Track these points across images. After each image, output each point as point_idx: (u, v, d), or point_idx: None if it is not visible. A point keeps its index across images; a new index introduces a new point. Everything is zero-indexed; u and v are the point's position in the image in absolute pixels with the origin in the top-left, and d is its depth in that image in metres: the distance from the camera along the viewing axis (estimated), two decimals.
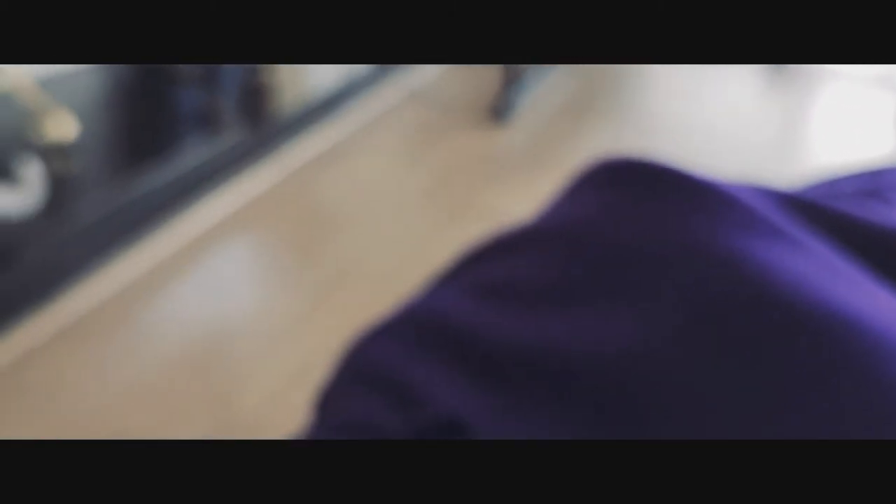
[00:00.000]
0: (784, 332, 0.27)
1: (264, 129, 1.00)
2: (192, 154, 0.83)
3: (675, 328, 0.33)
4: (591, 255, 0.32)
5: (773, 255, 0.27)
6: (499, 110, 1.35)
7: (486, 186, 0.99)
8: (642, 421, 0.32)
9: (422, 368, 0.35)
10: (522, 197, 0.95)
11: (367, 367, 0.37)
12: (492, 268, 0.39)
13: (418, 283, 0.34)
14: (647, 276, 0.30)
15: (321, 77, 1.16)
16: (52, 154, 0.71)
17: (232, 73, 1.12)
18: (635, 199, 0.29)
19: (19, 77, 0.71)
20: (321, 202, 0.83)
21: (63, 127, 0.73)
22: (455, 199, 0.93)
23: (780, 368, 0.25)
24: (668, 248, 0.29)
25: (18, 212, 0.66)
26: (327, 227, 0.75)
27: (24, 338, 0.58)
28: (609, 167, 0.30)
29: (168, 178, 0.77)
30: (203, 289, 0.67)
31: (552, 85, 1.43)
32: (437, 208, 0.87)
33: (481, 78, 1.36)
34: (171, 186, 0.77)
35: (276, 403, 0.51)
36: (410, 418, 0.34)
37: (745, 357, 0.29)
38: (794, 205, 0.31)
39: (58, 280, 0.62)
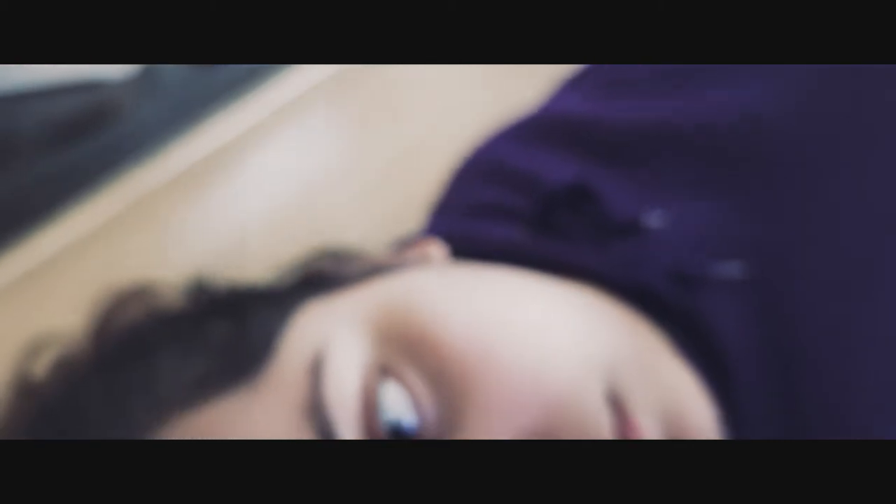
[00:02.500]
0: None
1: None
2: None
3: (809, 92, 0.33)
4: None
5: None
6: None
7: None
8: (759, 174, 0.32)
9: (544, 156, 0.36)
10: None
11: (490, 163, 0.38)
12: (608, 70, 0.39)
13: None
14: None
15: None
16: None
17: None
18: None
19: None
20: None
21: None
22: None
23: None
24: None
25: (117, 74, 0.69)
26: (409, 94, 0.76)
27: (129, 189, 0.61)
28: None
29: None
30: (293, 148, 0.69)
31: None
32: None
33: None
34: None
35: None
36: (537, 194, 0.35)
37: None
38: None
39: (155, 140, 0.64)
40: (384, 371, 0.29)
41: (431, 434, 0.29)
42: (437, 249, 0.37)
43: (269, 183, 0.66)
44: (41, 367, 0.34)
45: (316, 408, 0.28)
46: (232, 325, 0.32)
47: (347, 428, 0.28)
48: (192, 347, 0.32)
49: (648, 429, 0.29)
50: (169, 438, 0.29)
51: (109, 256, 0.57)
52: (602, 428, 0.29)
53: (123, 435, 0.29)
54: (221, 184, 0.64)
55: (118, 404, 0.31)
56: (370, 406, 0.28)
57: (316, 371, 0.29)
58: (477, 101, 0.74)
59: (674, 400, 0.30)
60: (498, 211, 0.39)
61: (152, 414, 0.30)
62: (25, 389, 0.33)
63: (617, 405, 0.29)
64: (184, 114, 0.65)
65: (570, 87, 0.44)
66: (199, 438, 0.29)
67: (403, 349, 0.30)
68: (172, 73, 0.71)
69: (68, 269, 0.57)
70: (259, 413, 0.29)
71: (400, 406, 0.29)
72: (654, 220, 0.35)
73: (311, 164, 0.66)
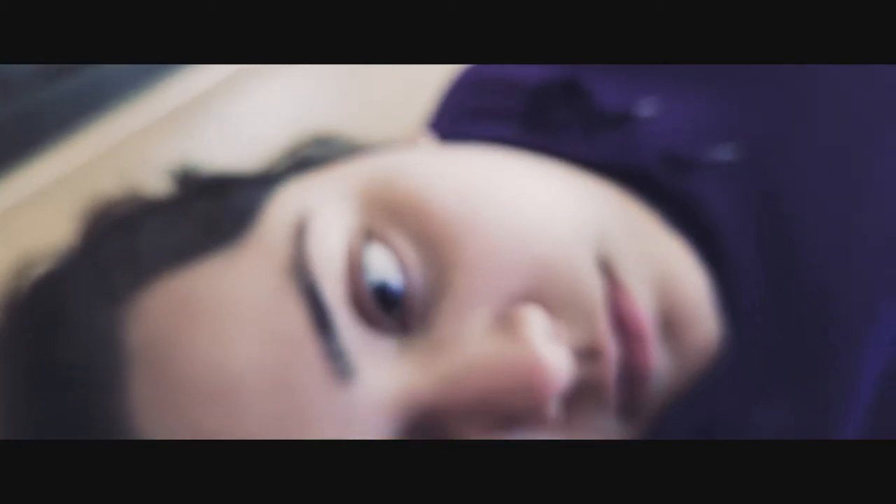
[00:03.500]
0: None
1: None
2: None
3: None
4: None
5: None
6: None
7: None
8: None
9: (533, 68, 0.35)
10: None
11: (477, 76, 0.38)
12: None
13: None
14: None
15: None
16: None
17: None
18: None
19: None
20: None
21: None
22: None
23: None
24: None
25: None
26: None
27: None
28: None
29: None
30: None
31: None
32: None
33: None
34: None
35: None
36: (526, 93, 0.34)
37: None
38: None
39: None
40: (369, 234, 0.29)
41: (418, 298, 0.28)
42: (425, 137, 0.36)
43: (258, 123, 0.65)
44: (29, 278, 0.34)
45: (299, 267, 0.27)
46: (215, 200, 0.32)
47: (332, 288, 0.27)
48: (174, 220, 0.31)
49: (640, 295, 0.29)
50: (146, 311, 0.28)
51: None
52: (594, 292, 0.28)
53: (104, 305, 0.29)
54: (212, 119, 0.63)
55: (101, 277, 0.30)
56: (355, 266, 0.28)
57: (300, 233, 0.28)
58: None
59: (666, 269, 0.30)
60: (489, 113, 0.39)
61: (135, 281, 0.29)
62: (14, 301, 0.32)
63: (608, 271, 0.29)
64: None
65: None
66: (181, 304, 0.28)
67: (389, 214, 0.29)
68: None
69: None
70: (241, 273, 0.28)
71: (385, 267, 0.28)
72: (646, 108, 0.35)
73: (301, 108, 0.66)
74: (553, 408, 0.27)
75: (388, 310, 0.28)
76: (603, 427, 0.28)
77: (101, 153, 0.59)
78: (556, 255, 0.28)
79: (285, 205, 0.30)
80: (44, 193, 0.56)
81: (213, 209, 0.31)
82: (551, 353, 0.26)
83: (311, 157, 0.35)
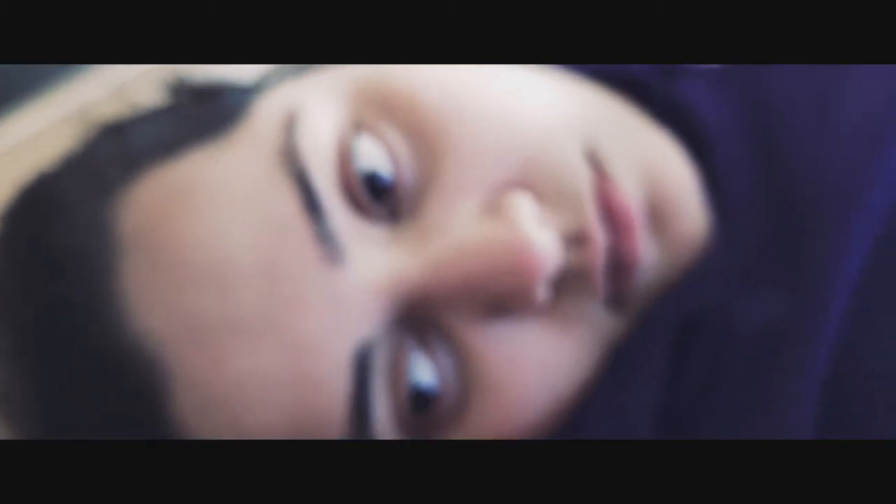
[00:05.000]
0: None
1: None
2: None
3: None
4: None
5: None
6: None
7: None
8: None
9: None
10: None
11: None
12: None
13: None
14: None
15: None
16: None
17: None
18: None
19: None
20: None
21: None
22: None
23: None
24: None
25: None
26: None
27: None
28: None
29: None
30: None
31: None
32: None
33: None
34: None
35: None
36: None
37: None
38: None
39: None
40: (359, 126, 0.29)
41: (408, 187, 0.28)
42: None
43: None
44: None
45: (290, 155, 0.28)
46: (208, 101, 0.32)
47: (323, 176, 0.28)
48: (166, 119, 0.31)
49: (628, 185, 0.29)
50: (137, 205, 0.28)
51: None
52: (581, 181, 0.28)
53: (98, 196, 0.29)
54: None
55: (94, 171, 0.30)
56: (345, 154, 0.28)
57: (291, 124, 0.28)
58: None
59: (653, 162, 0.30)
60: None
61: (126, 173, 0.29)
62: (10, 200, 0.33)
63: (596, 162, 0.29)
64: None
65: None
66: (172, 192, 0.28)
67: (379, 107, 0.29)
68: None
69: None
70: (232, 161, 0.28)
71: (375, 156, 0.28)
72: None
73: None
74: (541, 292, 0.27)
75: (378, 198, 0.28)
76: (590, 316, 0.28)
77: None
78: (544, 144, 0.29)
79: (277, 100, 0.30)
80: None
81: (205, 108, 0.31)
82: (539, 235, 0.27)
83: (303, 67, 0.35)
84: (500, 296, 0.27)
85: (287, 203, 0.27)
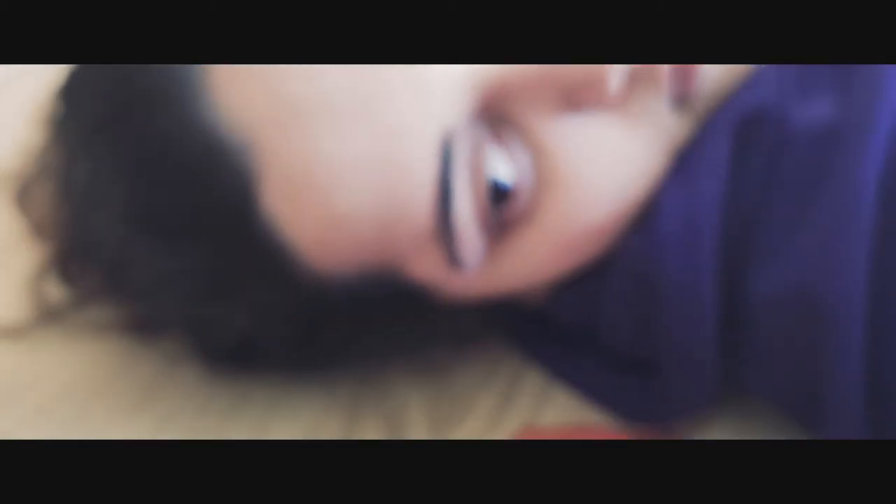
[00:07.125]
0: None
1: None
2: None
3: None
4: None
5: None
6: None
7: None
8: None
9: None
10: None
11: None
12: None
13: None
14: None
15: None
16: None
17: None
18: None
19: None
20: None
21: None
22: None
23: None
24: None
25: None
26: None
27: None
28: None
29: None
30: None
31: None
32: None
33: None
34: None
35: None
36: None
37: None
38: None
39: None
40: None
41: None
42: None
43: None
44: None
45: None
46: None
47: None
48: None
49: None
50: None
51: None
52: None
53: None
54: None
55: None
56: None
57: None
58: None
59: None
60: None
61: None
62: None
63: None
64: None
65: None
66: None
67: None
68: None
69: None
70: None
71: None
72: None
73: None
74: (614, 82, 0.27)
75: None
76: (658, 114, 0.29)
77: None
78: None
79: None
80: None
81: None
82: None
83: None
84: (575, 86, 0.28)
85: None
